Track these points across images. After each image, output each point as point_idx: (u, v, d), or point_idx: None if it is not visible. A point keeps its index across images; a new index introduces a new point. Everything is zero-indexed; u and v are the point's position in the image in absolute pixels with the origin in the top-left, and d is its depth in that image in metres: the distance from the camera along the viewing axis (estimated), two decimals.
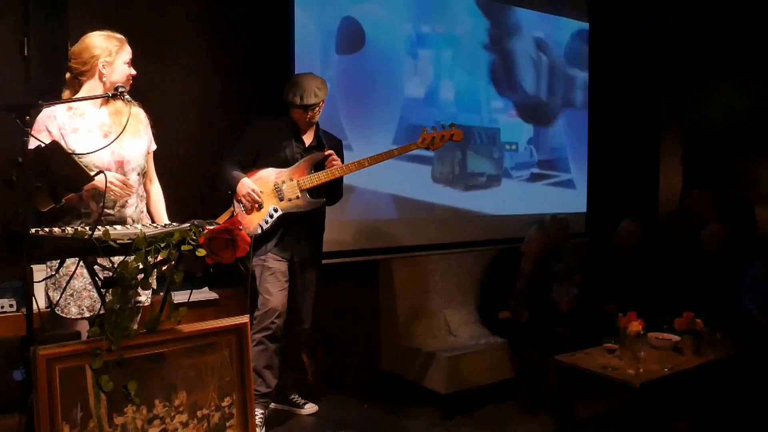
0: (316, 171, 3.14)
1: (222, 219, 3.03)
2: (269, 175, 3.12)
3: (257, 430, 3.06)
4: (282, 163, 3.13)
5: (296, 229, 3.16)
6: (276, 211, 3.08)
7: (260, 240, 3.09)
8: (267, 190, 3.08)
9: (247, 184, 3.04)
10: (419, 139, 3.23)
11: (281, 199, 3.09)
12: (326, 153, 3.17)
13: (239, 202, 3.09)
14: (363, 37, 4.11)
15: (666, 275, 4.53)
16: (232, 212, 3.10)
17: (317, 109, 3.13)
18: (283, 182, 3.11)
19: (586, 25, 5.41)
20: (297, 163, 3.14)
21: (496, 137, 4.78)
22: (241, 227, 1.96)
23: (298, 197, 3.10)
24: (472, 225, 4.67)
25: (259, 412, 3.10)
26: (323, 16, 3.95)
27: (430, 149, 3.26)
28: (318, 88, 3.09)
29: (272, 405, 3.41)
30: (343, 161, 3.22)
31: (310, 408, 3.38)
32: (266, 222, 3.07)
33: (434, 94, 4.47)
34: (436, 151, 3.66)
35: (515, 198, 4.92)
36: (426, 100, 4.42)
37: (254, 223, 3.08)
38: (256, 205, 3.06)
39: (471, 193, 4.66)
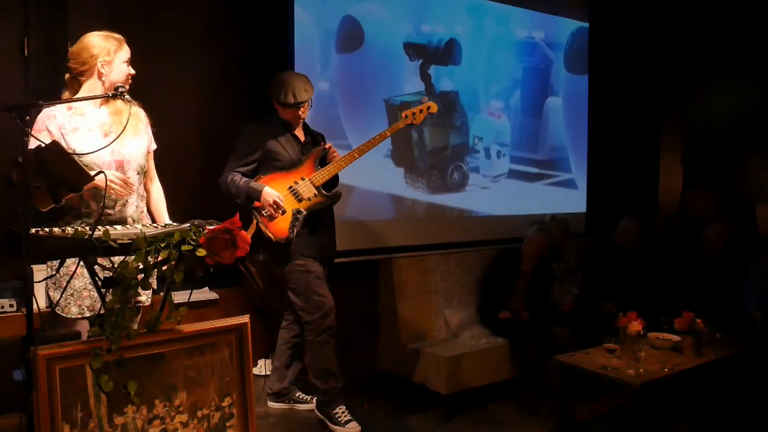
0: (321, 166, 3.16)
1: (251, 231, 3.01)
2: (279, 178, 3.11)
3: (351, 424, 3.12)
4: (286, 164, 3.13)
5: (319, 227, 3.18)
6: (300, 213, 3.07)
7: (288, 244, 3.09)
8: (283, 194, 3.07)
9: (270, 193, 3.03)
10: (402, 116, 3.31)
11: (300, 201, 3.09)
12: (326, 147, 3.20)
13: (259, 211, 3.06)
14: (362, 35, 4.12)
15: (666, 275, 4.53)
16: (256, 223, 3.08)
17: (307, 105, 3.15)
18: (296, 183, 3.11)
19: (586, 25, 5.41)
20: (302, 162, 3.15)
21: (456, 103, 4.69)
22: (240, 227, 1.96)
23: (315, 195, 3.12)
24: (471, 225, 4.67)
25: (343, 408, 3.17)
26: (323, 15, 3.95)
27: (414, 124, 3.34)
28: (305, 83, 3.13)
29: (276, 405, 3.42)
30: None
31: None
32: (294, 226, 3.07)
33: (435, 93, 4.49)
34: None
35: (515, 198, 4.92)
36: None
37: (284, 230, 3.07)
38: (280, 212, 3.05)
39: (471, 193, 4.67)
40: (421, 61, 4.38)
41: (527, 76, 5.03)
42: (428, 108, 3.33)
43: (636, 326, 3.22)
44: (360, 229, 4.11)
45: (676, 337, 3.44)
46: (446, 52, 4.47)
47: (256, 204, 3.05)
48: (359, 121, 4.09)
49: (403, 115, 3.31)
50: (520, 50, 4.97)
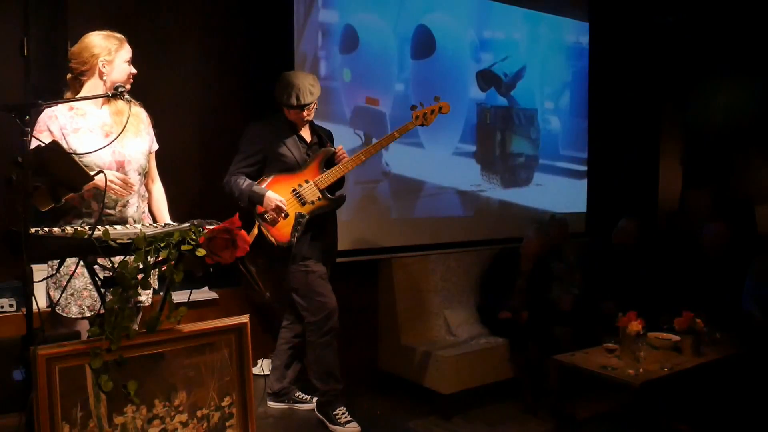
0: (327, 168, 3.13)
1: (252, 234, 3.01)
2: (283, 181, 3.08)
3: (351, 425, 3.13)
4: (291, 165, 3.10)
5: (321, 229, 3.16)
6: (302, 217, 3.05)
7: (290, 248, 3.07)
8: (286, 197, 3.04)
9: (273, 197, 3.00)
10: (412, 117, 3.27)
11: (303, 204, 3.06)
12: (337, 149, 3.17)
13: (262, 215, 3.04)
14: (434, 43, 4.41)
15: (666, 275, 4.53)
16: (258, 226, 3.06)
17: (313, 106, 3.12)
18: (300, 186, 3.08)
19: (586, 25, 5.41)
20: (307, 164, 3.12)
21: (534, 117, 5.06)
22: (240, 227, 1.96)
23: (320, 198, 3.09)
24: (471, 225, 4.67)
25: (343, 409, 3.17)
26: (399, 23, 4.20)
27: (424, 125, 3.30)
28: (311, 85, 3.07)
29: (275, 404, 3.42)
30: None
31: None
32: (296, 231, 3.05)
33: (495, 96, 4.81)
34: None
35: (515, 198, 4.92)
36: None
37: (286, 234, 3.05)
38: (282, 215, 3.03)
39: (470, 193, 4.67)
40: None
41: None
42: (440, 109, 3.28)
43: (636, 326, 3.22)
44: (361, 229, 4.11)
45: (675, 337, 3.43)
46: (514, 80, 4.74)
47: (259, 209, 3.03)
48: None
49: (414, 115, 3.26)
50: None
